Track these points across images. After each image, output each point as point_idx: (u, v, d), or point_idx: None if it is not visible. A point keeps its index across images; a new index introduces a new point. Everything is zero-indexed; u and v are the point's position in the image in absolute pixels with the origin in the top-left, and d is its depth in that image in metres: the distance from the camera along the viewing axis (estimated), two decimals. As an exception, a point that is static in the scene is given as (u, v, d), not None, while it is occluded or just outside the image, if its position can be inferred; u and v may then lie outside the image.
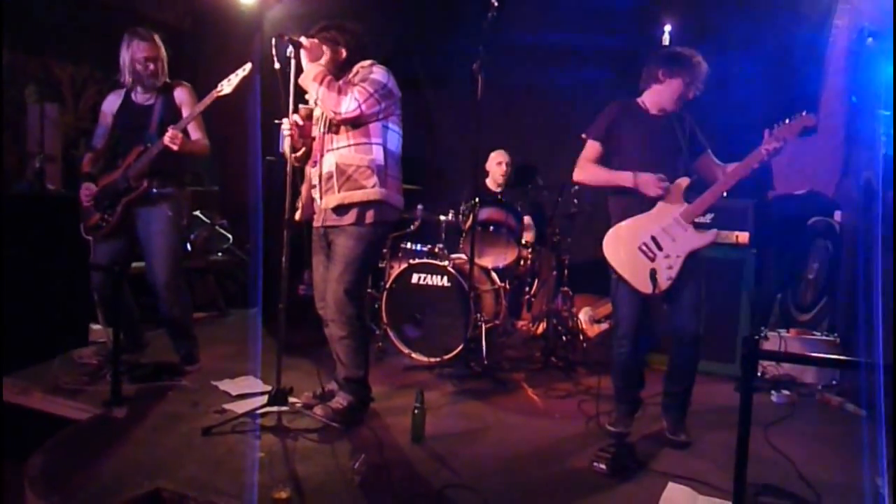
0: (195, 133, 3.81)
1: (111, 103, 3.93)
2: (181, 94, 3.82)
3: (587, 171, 3.28)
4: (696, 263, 3.16)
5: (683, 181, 3.16)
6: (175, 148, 3.61)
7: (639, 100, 3.29)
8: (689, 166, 3.24)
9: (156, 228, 3.78)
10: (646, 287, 3.13)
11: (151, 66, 3.77)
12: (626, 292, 3.20)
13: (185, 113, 3.78)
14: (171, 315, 3.88)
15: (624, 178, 3.17)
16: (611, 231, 3.26)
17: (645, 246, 3.17)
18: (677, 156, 3.21)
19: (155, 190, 3.77)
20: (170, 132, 3.61)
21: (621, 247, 3.21)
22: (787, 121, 3.00)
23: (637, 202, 3.18)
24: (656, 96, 3.22)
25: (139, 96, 3.85)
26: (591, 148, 3.28)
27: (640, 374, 3.40)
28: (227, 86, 3.60)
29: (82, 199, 3.90)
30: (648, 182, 3.12)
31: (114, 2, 5.70)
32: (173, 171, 3.84)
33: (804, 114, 2.99)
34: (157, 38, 3.82)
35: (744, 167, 3.08)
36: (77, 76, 5.53)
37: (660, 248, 3.15)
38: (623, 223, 3.23)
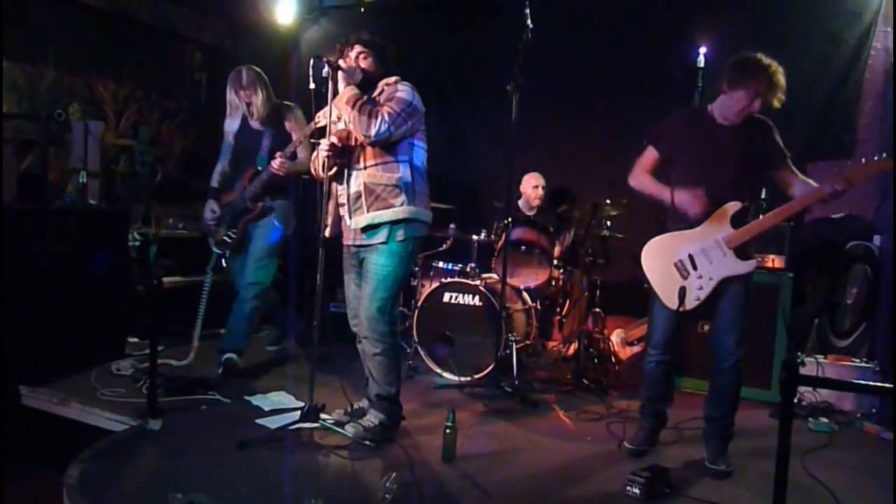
0: (302, 152, 4.14)
1: (231, 125, 4.35)
2: (291, 122, 4.23)
3: (638, 178, 3.25)
4: (738, 289, 3.10)
5: (733, 206, 3.07)
6: (282, 174, 4.05)
7: (709, 107, 3.18)
8: (757, 180, 3.16)
9: (262, 234, 4.23)
10: (672, 303, 3.12)
11: (253, 110, 4.20)
12: (661, 305, 3.19)
13: (294, 137, 4.12)
14: (247, 312, 4.21)
15: (664, 194, 3.14)
16: (653, 240, 3.25)
17: (680, 263, 3.15)
18: (740, 169, 3.08)
19: (264, 204, 4.21)
20: (277, 161, 4.02)
21: (658, 258, 3.20)
22: (863, 160, 2.86)
23: (689, 218, 3.13)
24: (722, 107, 3.10)
25: (253, 122, 4.26)
26: (647, 155, 3.25)
27: (666, 388, 3.36)
28: (322, 118, 3.64)
29: (207, 219, 4.35)
30: (684, 200, 3.08)
31: (155, 23, 5.85)
32: (282, 185, 4.25)
33: (884, 156, 2.82)
34: (254, 80, 4.16)
35: (799, 203, 2.99)
36: (119, 95, 5.68)
37: (694, 268, 3.12)
38: (665, 235, 3.22)
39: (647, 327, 3.35)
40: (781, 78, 2.98)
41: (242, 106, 4.22)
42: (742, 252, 3.10)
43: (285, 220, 4.29)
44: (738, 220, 3.08)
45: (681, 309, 3.09)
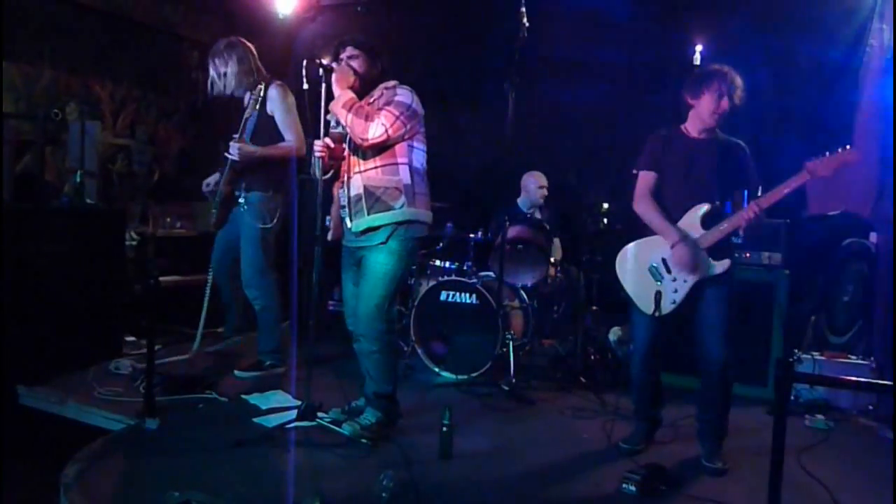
0: (287, 134, 3.96)
1: (246, 100, 4.11)
2: (272, 102, 3.96)
3: (645, 206, 3.21)
4: (717, 291, 3.11)
5: (702, 206, 3.12)
6: (235, 158, 3.86)
7: (682, 126, 3.26)
8: (728, 188, 3.19)
9: (242, 234, 4.08)
10: (648, 308, 3.14)
11: (220, 83, 3.99)
12: (640, 310, 3.21)
13: (277, 118, 3.95)
14: (257, 312, 4.15)
15: (668, 235, 3.13)
16: (626, 247, 3.30)
17: (654, 268, 3.18)
18: (713, 183, 3.14)
19: (238, 194, 4.04)
20: (231, 145, 3.86)
21: (631, 264, 3.25)
22: (826, 154, 2.92)
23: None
24: (694, 119, 3.20)
25: (246, 97, 4.05)
26: (646, 177, 3.24)
27: (655, 392, 3.38)
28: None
29: (203, 191, 4.25)
30: (680, 257, 3.08)
31: (152, 23, 5.85)
32: (259, 177, 4.00)
33: (847, 148, 2.90)
34: (221, 52, 3.97)
35: (768, 198, 3.02)
36: (116, 94, 5.68)
37: (668, 272, 3.15)
38: (636, 242, 3.27)
39: (630, 333, 3.37)
40: (738, 78, 3.10)
41: (214, 76, 4.01)
42: (715, 253, 3.11)
43: (262, 215, 4.03)
44: (708, 222, 3.12)
45: (657, 314, 3.10)
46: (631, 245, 3.29)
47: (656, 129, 3.30)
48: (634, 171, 3.30)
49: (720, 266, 3.10)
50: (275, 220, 4.10)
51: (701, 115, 3.15)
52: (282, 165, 4.03)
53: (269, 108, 3.96)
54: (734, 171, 3.17)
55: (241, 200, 4.03)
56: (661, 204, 3.20)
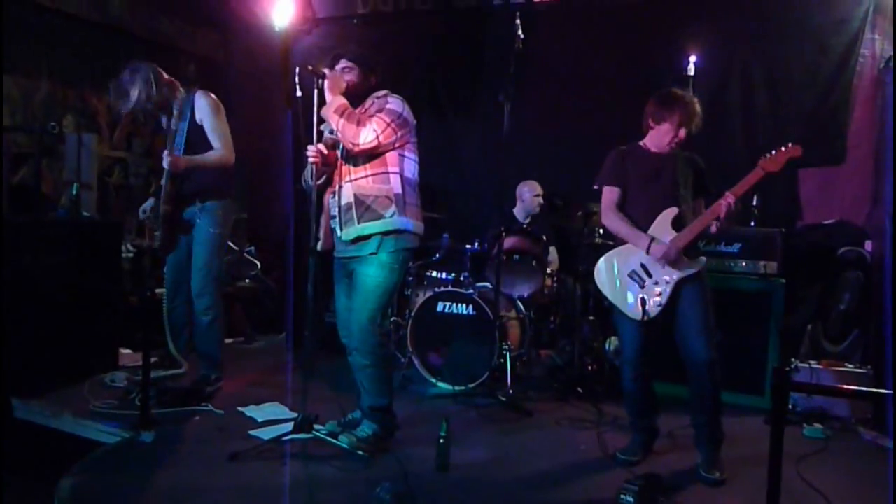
0: (216, 142, 3.88)
1: (165, 122, 4.05)
2: (200, 111, 3.86)
3: (612, 219, 3.31)
4: (695, 290, 3.17)
5: (672, 211, 3.20)
6: (174, 170, 3.75)
7: (641, 143, 3.37)
8: (689, 193, 3.30)
9: (198, 240, 3.96)
10: (635, 313, 3.17)
11: (130, 104, 3.89)
12: (626, 319, 3.23)
13: (206, 126, 3.86)
14: (206, 324, 3.99)
15: (641, 242, 3.20)
16: (602, 259, 3.35)
17: (634, 273, 3.23)
18: (677, 190, 3.25)
19: (189, 209, 3.92)
20: (164, 157, 3.75)
21: (612, 273, 3.29)
22: (773, 151, 3.09)
23: None
24: (653, 139, 3.32)
25: (171, 121, 3.92)
26: (610, 193, 3.33)
27: (649, 402, 3.37)
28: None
29: (139, 218, 4.17)
30: (657, 252, 3.15)
31: (148, 36, 5.86)
32: (211, 186, 3.93)
33: (790, 145, 3.08)
34: (128, 81, 3.89)
35: (736, 190, 3.12)
36: (113, 107, 5.67)
37: (649, 276, 3.20)
38: (613, 251, 3.33)
39: (618, 345, 3.40)
40: (697, 107, 3.24)
41: (126, 100, 3.90)
42: (689, 252, 3.19)
43: (220, 221, 3.98)
44: (678, 225, 3.20)
45: (645, 318, 3.14)
46: (608, 254, 3.34)
47: (615, 149, 3.40)
48: (596, 187, 3.40)
49: (696, 264, 3.19)
50: (229, 227, 4.08)
51: (659, 139, 3.28)
52: (228, 173, 3.98)
53: (199, 116, 3.87)
54: (694, 180, 3.32)
55: (197, 210, 3.94)
56: (628, 215, 3.29)
